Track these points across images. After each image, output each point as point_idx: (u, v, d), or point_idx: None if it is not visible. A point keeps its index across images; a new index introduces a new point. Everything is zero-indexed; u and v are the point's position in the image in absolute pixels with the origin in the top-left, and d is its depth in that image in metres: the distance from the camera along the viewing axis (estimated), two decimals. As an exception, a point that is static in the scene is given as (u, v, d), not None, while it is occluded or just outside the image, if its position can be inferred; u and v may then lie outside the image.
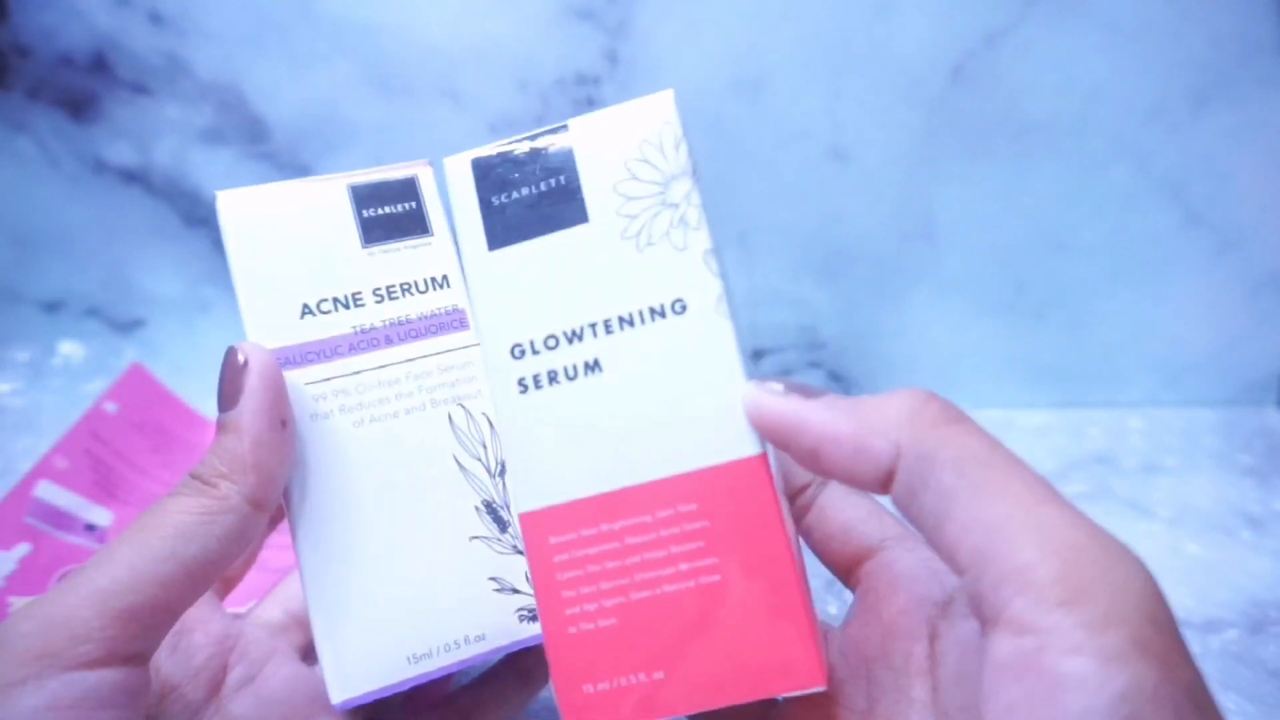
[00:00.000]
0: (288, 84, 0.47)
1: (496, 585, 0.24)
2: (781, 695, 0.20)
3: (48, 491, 0.38)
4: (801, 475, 0.25)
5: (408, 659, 0.23)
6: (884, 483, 0.19)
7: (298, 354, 0.24)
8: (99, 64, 0.46)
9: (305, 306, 0.25)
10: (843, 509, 0.24)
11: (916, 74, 0.46)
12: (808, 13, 0.44)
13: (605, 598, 0.21)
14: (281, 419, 0.23)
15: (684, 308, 0.20)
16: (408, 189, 0.27)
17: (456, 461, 0.25)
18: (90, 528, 0.39)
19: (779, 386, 0.20)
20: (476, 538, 0.24)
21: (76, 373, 0.52)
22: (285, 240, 0.25)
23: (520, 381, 0.21)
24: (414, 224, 0.26)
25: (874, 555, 0.24)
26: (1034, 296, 0.51)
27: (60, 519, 0.38)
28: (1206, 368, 0.53)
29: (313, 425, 0.24)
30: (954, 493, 0.17)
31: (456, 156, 0.23)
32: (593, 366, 0.21)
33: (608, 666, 0.20)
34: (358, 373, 0.25)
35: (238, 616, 0.27)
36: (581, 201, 0.21)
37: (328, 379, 0.24)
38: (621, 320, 0.21)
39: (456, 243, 0.24)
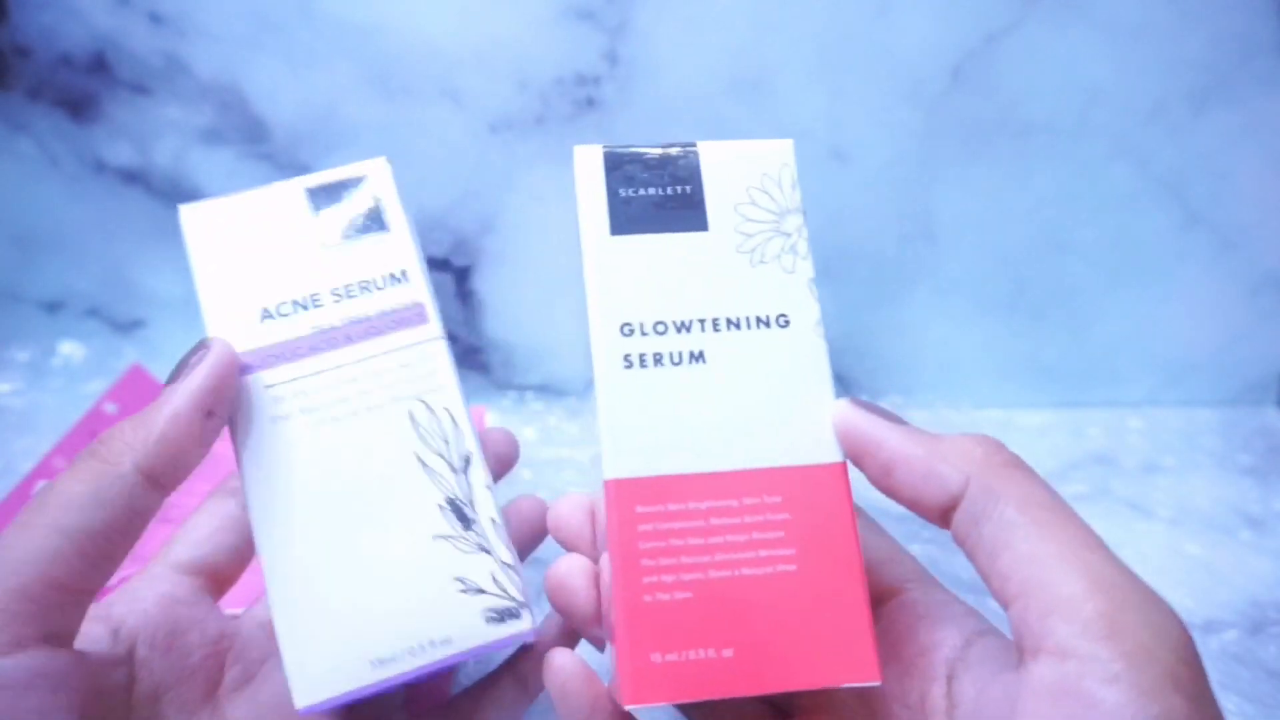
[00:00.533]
0: (288, 84, 0.47)
1: (462, 586, 0.24)
2: (840, 685, 0.21)
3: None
4: None
5: (371, 663, 0.23)
6: (945, 509, 0.21)
7: (258, 358, 0.24)
8: (99, 64, 0.46)
9: (265, 310, 0.25)
10: (866, 549, 0.24)
11: (916, 74, 0.46)
12: (808, 13, 0.44)
13: (684, 571, 0.21)
14: (211, 408, 0.23)
15: (787, 323, 0.23)
16: (363, 187, 0.27)
17: (419, 459, 0.24)
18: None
19: (868, 406, 0.22)
20: (440, 536, 0.24)
21: (76, 373, 0.52)
22: (245, 247, 0.25)
23: (626, 357, 0.23)
24: (371, 220, 0.26)
25: (895, 596, 0.24)
26: (1034, 296, 0.51)
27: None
28: (1206, 368, 0.53)
29: (273, 428, 0.24)
30: (1014, 526, 0.19)
31: (587, 146, 0.24)
32: (697, 357, 0.23)
33: (679, 638, 0.21)
34: (317, 373, 0.25)
35: (234, 617, 0.26)
36: (704, 212, 0.24)
37: (288, 380, 0.24)
38: (729, 322, 0.23)
39: (578, 226, 0.24)
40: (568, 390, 0.54)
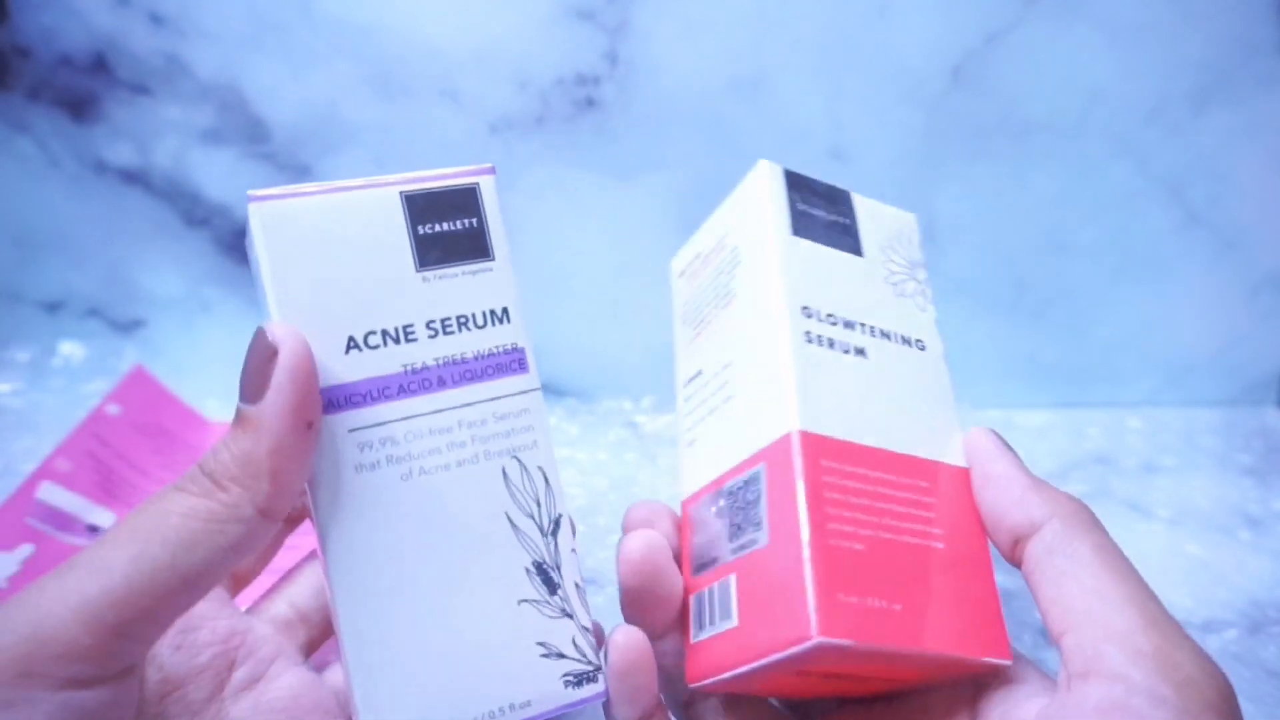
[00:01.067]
0: (288, 84, 0.47)
1: (544, 650, 0.23)
2: (980, 659, 0.22)
3: (50, 493, 0.39)
4: None
5: None
6: (1020, 535, 0.23)
7: (340, 395, 0.22)
8: (99, 64, 0.46)
9: (351, 340, 0.22)
10: None
11: (916, 74, 0.46)
12: (808, 13, 0.44)
13: (860, 526, 0.23)
14: (308, 420, 0.21)
15: (924, 347, 0.27)
16: (468, 201, 0.24)
17: (509, 519, 0.23)
18: (93, 529, 0.39)
19: (997, 435, 0.25)
20: (525, 600, 0.23)
21: (77, 373, 0.52)
22: (330, 258, 0.22)
23: (807, 333, 0.25)
24: (475, 246, 0.23)
25: None
26: (1034, 296, 0.51)
27: (63, 520, 0.38)
28: (1206, 368, 0.53)
29: (357, 478, 0.22)
30: (1084, 563, 0.21)
31: (768, 162, 0.28)
32: (860, 352, 0.25)
33: (859, 584, 0.22)
34: (406, 418, 0.22)
35: (247, 613, 0.26)
36: (859, 241, 0.28)
37: (374, 425, 0.22)
38: (883, 333, 0.26)
39: (749, 226, 0.27)
40: (568, 390, 0.54)
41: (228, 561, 0.20)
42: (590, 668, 0.24)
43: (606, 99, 0.46)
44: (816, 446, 0.23)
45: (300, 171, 0.49)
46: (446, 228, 0.23)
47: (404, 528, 0.22)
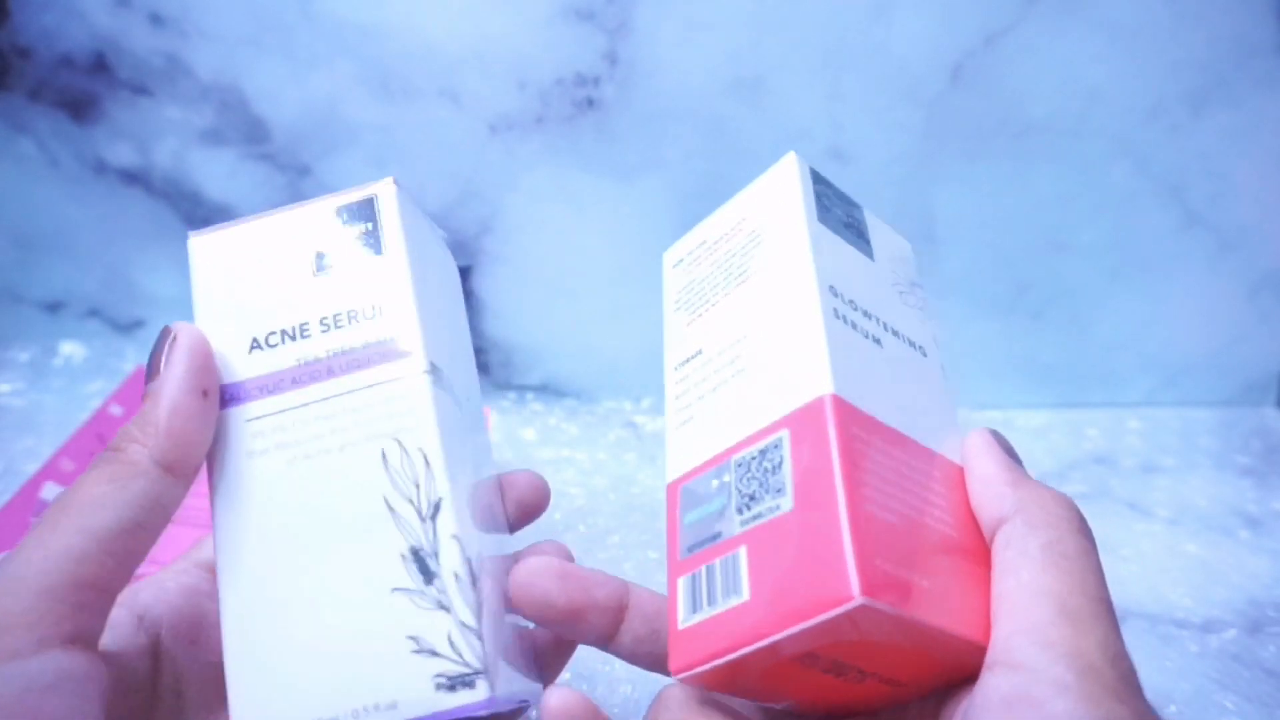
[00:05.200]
0: (288, 84, 0.47)
1: (415, 646, 0.22)
2: (980, 643, 0.22)
3: (54, 493, 0.39)
4: None
5: None
6: (992, 526, 0.23)
7: (241, 390, 0.24)
8: (99, 65, 0.46)
9: (254, 340, 0.24)
10: None
11: (916, 74, 0.46)
12: (807, 13, 0.44)
13: (890, 499, 0.22)
14: (203, 389, 0.23)
15: (925, 353, 0.27)
16: (366, 210, 0.26)
17: (386, 502, 0.23)
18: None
19: (999, 437, 0.25)
20: (399, 589, 0.22)
21: (77, 373, 0.52)
22: (245, 275, 0.25)
23: (835, 310, 0.25)
24: (368, 243, 0.25)
25: None
26: (1034, 296, 0.51)
27: (63, 520, 0.38)
28: (1205, 368, 0.53)
29: (248, 463, 0.23)
30: (1030, 558, 0.21)
31: (795, 153, 0.29)
32: (876, 341, 0.26)
33: (893, 553, 0.21)
34: (297, 407, 0.23)
35: None
36: (870, 246, 0.29)
37: (268, 414, 0.23)
38: (893, 330, 0.27)
39: (774, 209, 0.27)
40: (567, 390, 0.54)
41: (139, 518, 0.21)
42: (467, 671, 0.22)
43: (606, 99, 0.46)
44: (849, 414, 0.23)
45: (300, 171, 0.49)
46: (345, 236, 0.25)
47: (285, 511, 0.23)
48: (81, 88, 0.47)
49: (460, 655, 0.22)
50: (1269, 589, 0.41)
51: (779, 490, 0.23)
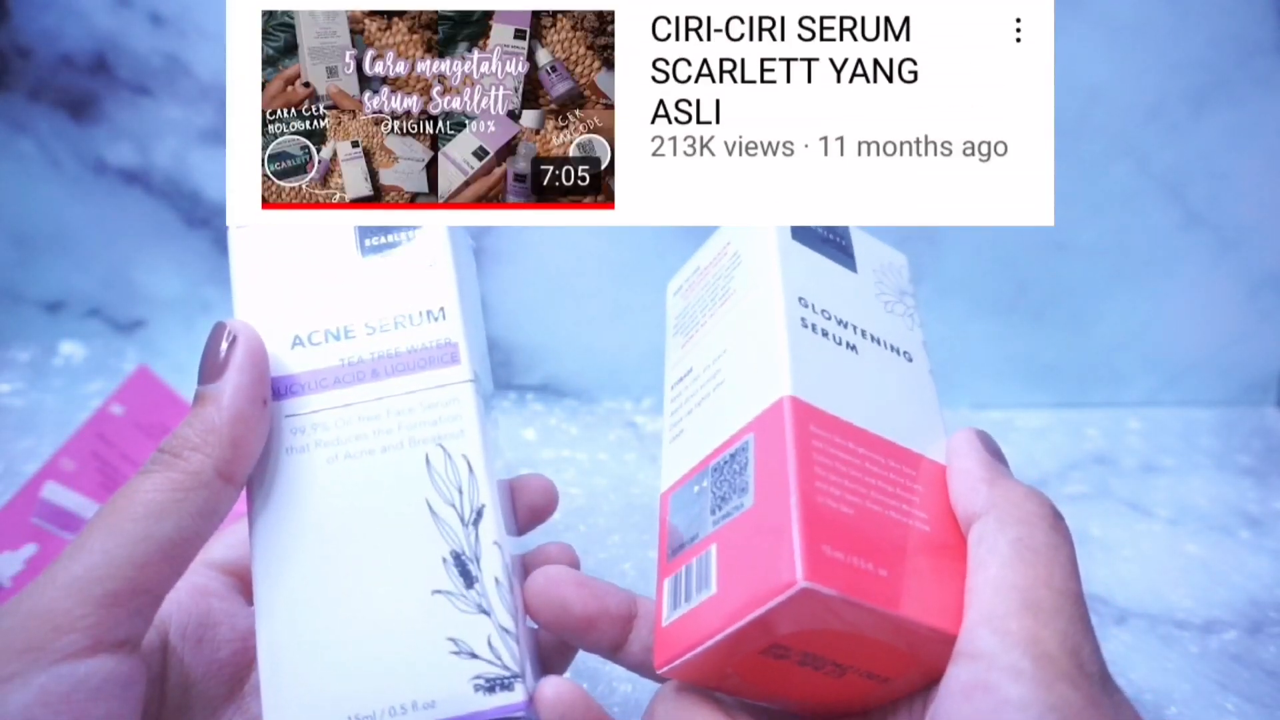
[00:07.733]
0: (288, 84, 0.47)
1: (455, 648, 0.22)
2: (947, 631, 0.22)
3: (54, 493, 0.39)
4: None
5: (349, 719, 0.22)
6: (967, 521, 0.23)
7: (281, 385, 0.24)
8: (99, 65, 0.46)
9: (296, 338, 0.24)
10: None
11: (916, 74, 0.46)
12: (808, 13, 0.44)
13: (847, 492, 0.23)
14: (263, 398, 0.23)
15: (911, 359, 0.28)
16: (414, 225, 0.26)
17: (429, 506, 0.23)
18: (92, 529, 0.39)
19: (985, 438, 0.25)
20: (439, 592, 0.23)
21: (77, 373, 0.52)
22: (287, 271, 0.25)
23: (803, 319, 0.26)
24: (414, 254, 0.26)
25: None
26: (1034, 296, 0.51)
27: (67, 520, 0.38)
28: (1205, 368, 0.53)
29: (287, 459, 0.23)
30: (999, 554, 0.21)
31: None
32: (852, 348, 0.26)
33: (845, 542, 0.22)
34: (339, 407, 0.24)
35: None
36: (853, 260, 0.29)
37: (308, 412, 0.24)
38: (873, 337, 0.27)
39: (751, 231, 0.28)
40: (567, 390, 0.54)
41: (198, 527, 0.21)
42: (506, 674, 0.22)
43: (606, 99, 0.46)
44: (806, 413, 0.23)
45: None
46: (391, 240, 0.26)
47: (325, 509, 0.23)
48: (81, 88, 0.47)
49: (500, 658, 0.22)
50: (1269, 589, 0.41)
51: (744, 489, 0.23)
